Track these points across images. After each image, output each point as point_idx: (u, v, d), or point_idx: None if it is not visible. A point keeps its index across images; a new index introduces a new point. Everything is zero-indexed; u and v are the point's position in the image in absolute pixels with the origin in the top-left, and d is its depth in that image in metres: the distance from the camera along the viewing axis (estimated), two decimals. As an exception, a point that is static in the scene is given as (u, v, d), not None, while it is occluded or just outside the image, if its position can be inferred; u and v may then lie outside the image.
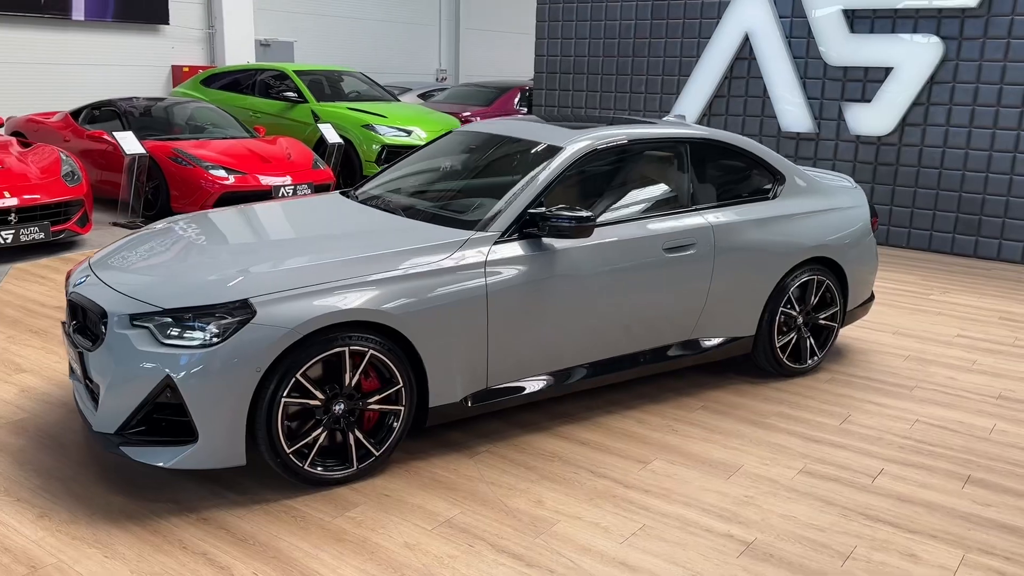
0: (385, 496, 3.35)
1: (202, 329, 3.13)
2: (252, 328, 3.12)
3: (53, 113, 10.61)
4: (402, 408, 3.48)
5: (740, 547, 3.08)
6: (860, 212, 5.06)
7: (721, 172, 4.71)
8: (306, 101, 11.39)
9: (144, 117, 9.79)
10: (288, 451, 3.25)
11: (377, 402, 3.43)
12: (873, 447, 3.96)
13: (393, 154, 10.64)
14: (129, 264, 3.63)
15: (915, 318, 6.14)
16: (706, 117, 9.81)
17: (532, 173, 4.00)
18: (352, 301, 3.28)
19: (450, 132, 4.97)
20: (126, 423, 3.19)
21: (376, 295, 3.35)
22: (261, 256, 3.56)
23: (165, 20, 14.34)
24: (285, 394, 3.18)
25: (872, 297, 5.28)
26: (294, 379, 3.19)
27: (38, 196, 7.19)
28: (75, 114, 10.20)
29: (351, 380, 3.34)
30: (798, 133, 9.24)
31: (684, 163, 4.48)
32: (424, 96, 15.48)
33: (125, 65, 13.94)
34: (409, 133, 10.90)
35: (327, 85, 12.06)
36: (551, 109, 11.15)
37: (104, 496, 3.28)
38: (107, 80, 13.59)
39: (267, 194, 8.61)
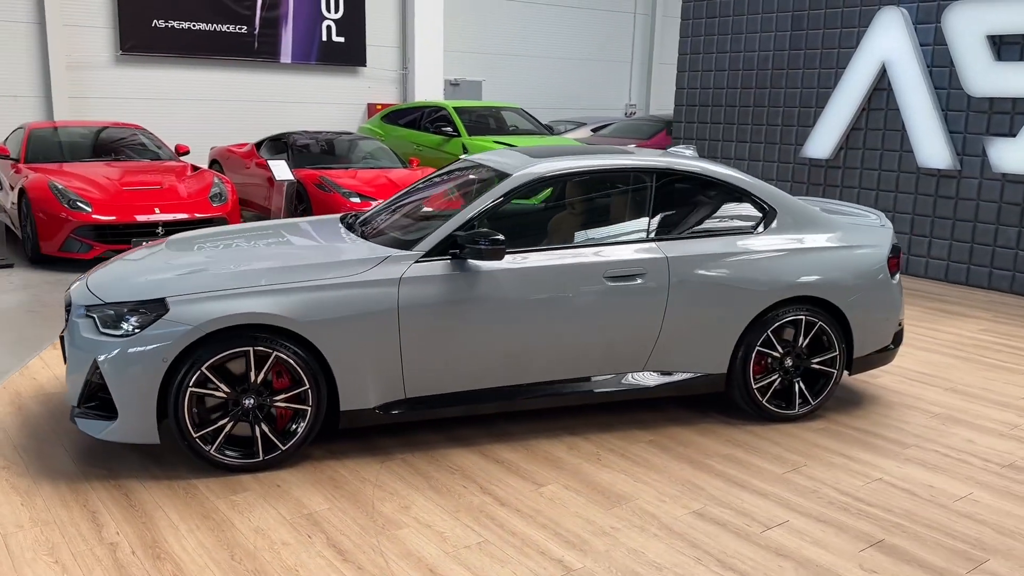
0: (276, 486, 3.68)
1: (127, 321, 3.66)
2: (162, 323, 3.61)
3: (244, 144, 12.13)
4: (308, 408, 3.81)
5: (561, 573, 3.06)
6: (872, 252, 4.68)
7: (695, 204, 4.60)
8: (459, 135, 12.11)
9: (308, 148, 10.95)
10: (194, 435, 3.68)
11: (284, 400, 3.79)
12: (798, 499, 3.69)
13: (530, 185, 11.03)
14: (116, 267, 4.27)
15: (986, 374, 5.48)
16: (842, 150, 9.26)
17: (474, 199, 4.19)
18: (254, 306, 3.67)
19: (455, 161, 5.24)
20: (80, 398, 3.78)
21: (281, 301, 3.72)
22: (211, 262, 4.05)
23: (362, 63, 15.83)
24: (191, 384, 3.63)
25: (896, 344, 4.83)
26: (199, 372, 3.63)
27: (184, 214, 8.37)
28: (258, 145, 11.62)
29: (256, 378, 3.72)
30: (938, 170, 8.46)
31: (646, 194, 4.44)
32: (596, 130, 15.79)
33: (326, 103, 15.55)
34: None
35: (487, 120, 12.74)
36: (689, 142, 11.02)
37: (63, 458, 3.90)
38: (311, 116, 15.23)
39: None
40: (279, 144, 11.18)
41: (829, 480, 3.89)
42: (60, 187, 8.13)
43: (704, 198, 4.60)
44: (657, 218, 4.42)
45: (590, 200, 4.59)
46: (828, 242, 4.62)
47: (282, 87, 15.10)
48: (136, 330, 3.63)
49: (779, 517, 3.52)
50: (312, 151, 10.99)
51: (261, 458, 3.79)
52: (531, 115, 13.41)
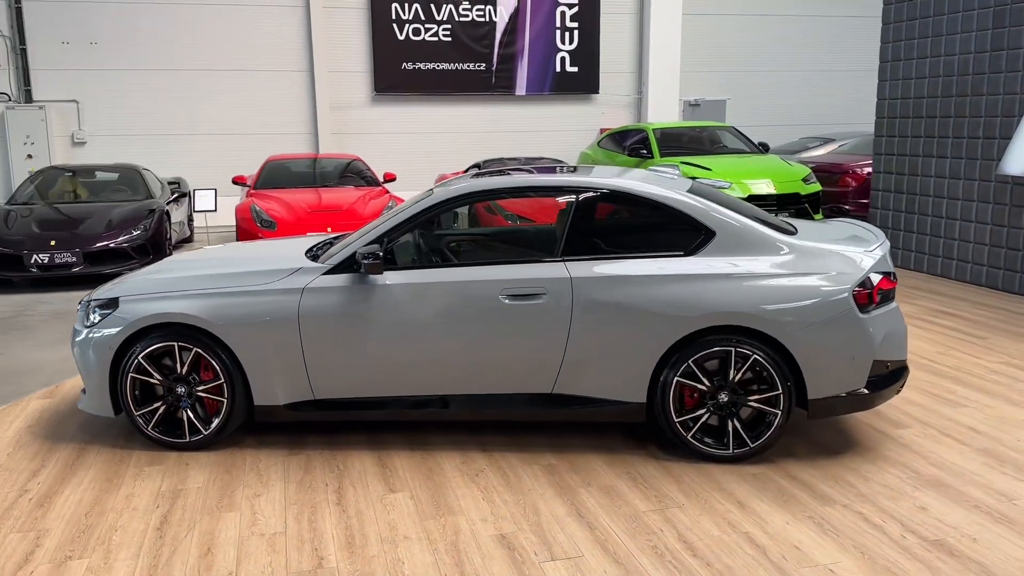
0: (185, 464, 4.28)
1: (94, 314, 4.51)
2: (111, 318, 4.39)
3: (460, 172, 13.20)
4: (224, 400, 4.37)
5: (311, 567, 3.26)
6: (828, 281, 4.09)
7: (621, 224, 4.39)
8: (653, 157, 12.06)
9: (500, 175, 11.64)
10: (135, 413, 4.42)
11: (206, 392, 4.38)
12: (622, 537, 3.44)
13: (710, 207, 10.71)
14: (131, 274, 5.17)
15: (1054, 437, 4.45)
16: (1048, 166, 7.78)
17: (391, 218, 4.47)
18: (176, 307, 4.32)
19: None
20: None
21: (200, 304, 4.32)
22: (173, 270, 4.74)
23: (595, 90, 16.29)
24: (131, 370, 4.37)
25: (877, 388, 4.16)
26: (136, 361, 4.36)
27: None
28: (467, 171, 12.60)
29: (181, 370, 4.36)
30: None
31: (566, 213, 4.36)
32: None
33: (559, 130, 16.24)
34: (728, 187, 10.79)
35: (691, 141, 12.51)
36: (890, 159, 9.90)
37: (110, 431, 4.86)
38: (544, 143, 16.04)
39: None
40: (479, 170, 11.99)
41: (683, 524, 3.56)
42: (258, 209, 9.65)
43: (633, 218, 4.39)
44: (572, 237, 4.32)
45: (511, 218, 4.60)
46: (769, 268, 4.15)
47: (517, 117, 16.06)
48: (97, 322, 4.45)
49: (574, 551, 3.34)
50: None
51: (187, 439, 4.42)
52: (743, 134, 12.88)
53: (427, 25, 15.25)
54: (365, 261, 4.18)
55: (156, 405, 4.41)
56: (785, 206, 10.89)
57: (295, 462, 4.28)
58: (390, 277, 4.29)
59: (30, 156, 13.80)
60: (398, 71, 15.27)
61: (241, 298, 4.33)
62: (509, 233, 4.74)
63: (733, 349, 4.08)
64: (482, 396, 4.32)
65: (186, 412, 4.41)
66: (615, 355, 4.18)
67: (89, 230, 9.25)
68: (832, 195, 12.55)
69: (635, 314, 4.13)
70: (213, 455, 4.38)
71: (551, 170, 4.84)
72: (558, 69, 16.06)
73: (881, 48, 10.01)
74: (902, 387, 4.35)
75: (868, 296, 4.11)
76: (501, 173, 4.86)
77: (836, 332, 4.07)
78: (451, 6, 15.28)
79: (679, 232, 4.29)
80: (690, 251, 4.23)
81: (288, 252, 4.81)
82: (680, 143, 12.44)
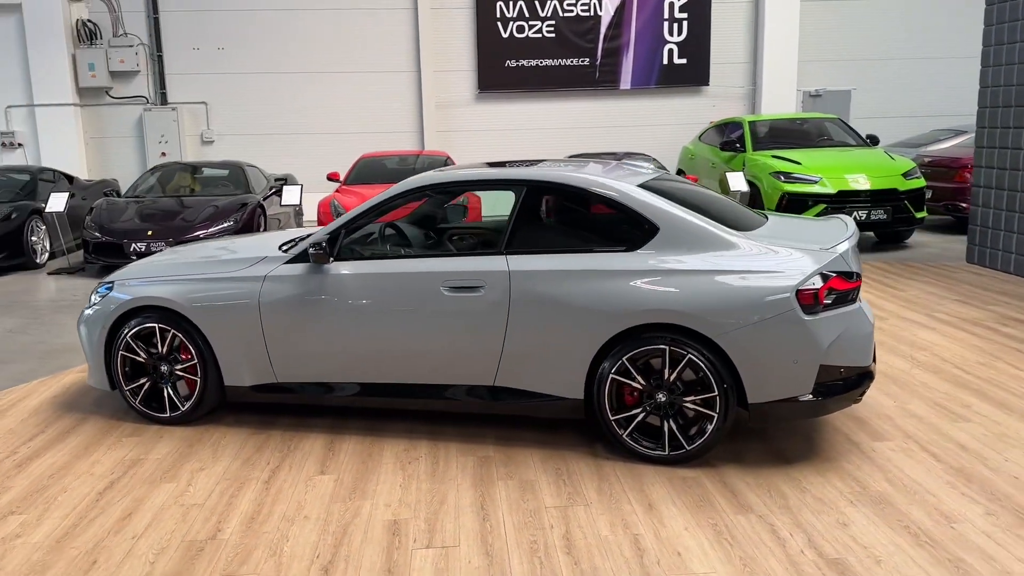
0: (160, 437, 4.63)
1: (96, 295, 4.94)
2: (106, 300, 4.81)
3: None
4: (198, 379, 4.68)
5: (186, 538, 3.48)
6: (769, 279, 3.87)
7: (567, 218, 4.32)
8: (745, 150, 11.63)
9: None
10: (124, 388, 4.82)
11: (183, 371, 4.72)
12: (511, 530, 3.44)
13: (795, 202, 10.26)
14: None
15: (1047, 459, 4.00)
16: None
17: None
18: (154, 291, 4.67)
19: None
20: (98, 355, 5.20)
21: (175, 289, 4.66)
22: (166, 257, 5.09)
23: (705, 82, 15.83)
24: (122, 348, 4.77)
25: (826, 395, 3.89)
26: (125, 340, 4.75)
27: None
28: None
29: (162, 350, 4.72)
30: None
31: (513, 206, 4.35)
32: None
33: (665, 124, 15.92)
34: (816, 182, 10.27)
35: (791, 133, 11.96)
36: (991, 152, 9.08)
37: (119, 404, 5.35)
38: (649, 138, 15.78)
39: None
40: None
41: (576, 523, 3.50)
42: (336, 204, 10.11)
43: (579, 213, 4.32)
44: (516, 231, 4.31)
45: (461, 210, 4.63)
46: (709, 265, 3.97)
47: (621, 112, 15.88)
48: (95, 303, 4.88)
49: (452, 541, 3.37)
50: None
51: (168, 414, 4.77)
52: (850, 126, 12.18)
53: (531, 22, 15.36)
54: (311, 251, 4.37)
55: (142, 381, 4.79)
56: (881, 203, 10.23)
57: (254, 441, 4.52)
58: (342, 267, 4.45)
59: (164, 154, 15.06)
60: (501, 69, 15.48)
61: (211, 284, 4.62)
62: (468, 227, 4.78)
63: (667, 348, 3.95)
64: (427, 386, 4.40)
65: (167, 389, 4.76)
66: (552, 350, 4.14)
67: (184, 221, 10.02)
68: (946, 191, 11.64)
69: (570, 309, 4.08)
70: (188, 430, 4.71)
71: (502, 164, 4.84)
72: (665, 61, 15.73)
73: (984, 31, 9.19)
74: (861, 396, 4.05)
75: (813, 296, 3.85)
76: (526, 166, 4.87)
77: (776, 334, 3.86)
78: (555, 2, 15.32)
79: (624, 227, 4.20)
80: (632, 247, 4.12)
81: (270, 243, 5.07)
82: (778, 136, 11.91)
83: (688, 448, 4.00)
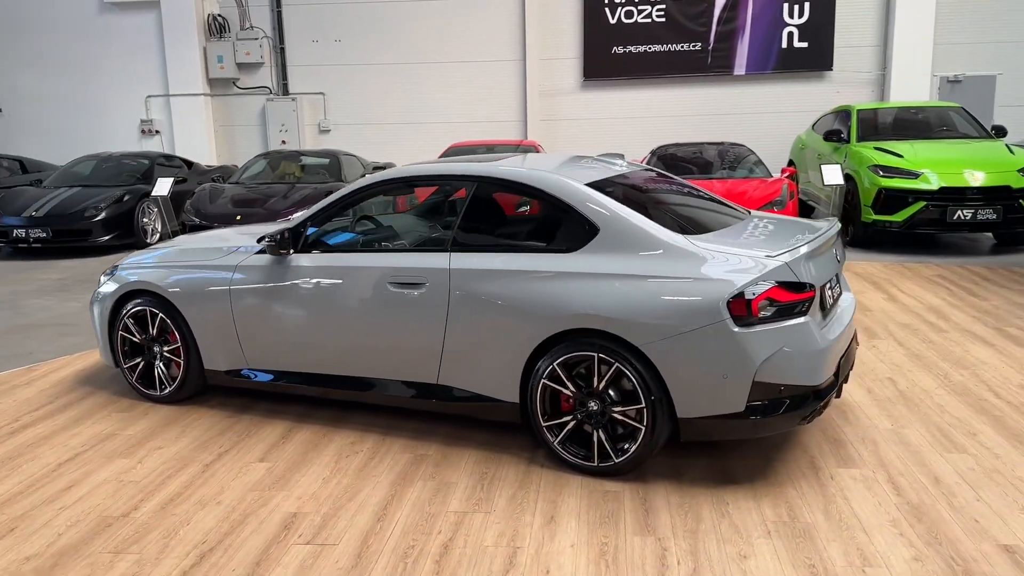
0: (144, 414, 4.91)
1: (104, 277, 5.29)
2: (110, 282, 5.14)
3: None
4: (181, 361, 4.93)
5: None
6: (701, 287, 3.60)
7: (515, 216, 4.19)
8: (849, 140, 10.87)
9: (674, 158, 11.23)
10: (123, 366, 5.14)
11: (169, 353, 4.98)
12: (398, 532, 3.41)
13: (893, 199, 9.52)
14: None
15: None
16: None
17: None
18: (142, 276, 4.95)
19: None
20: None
21: (160, 275, 4.91)
22: (171, 245, 5.35)
23: (828, 67, 14.88)
24: (120, 328, 5.09)
25: (762, 414, 3.59)
26: (123, 321, 5.07)
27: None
28: (647, 158, 12.32)
29: (152, 332, 5.00)
30: None
31: (462, 202, 4.27)
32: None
33: (783, 112, 15.10)
34: (916, 176, 9.45)
35: (906, 123, 11.07)
36: None
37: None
38: (768, 125, 15.04)
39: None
40: (662, 155, 11.60)
41: (466, 530, 3.41)
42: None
43: (527, 210, 4.18)
44: (464, 227, 4.24)
45: (423, 207, 4.57)
46: (643, 270, 3.74)
47: (735, 98, 15.22)
48: (102, 284, 5.23)
49: (335, 539, 3.37)
50: (676, 161, 11.25)
51: (159, 393, 5.05)
52: (972, 116, 11.12)
53: (640, 7, 14.96)
54: (265, 243, 4.48)
55: (137, 361, 5.09)
56: (991, 201, 9.27)
57: (222, 425, 4.71)
58: (301, 260, 4.53)
59: (284, 142, 15.86)
60: (608, 56, 15.19)
61: (192, 272, 4.84)
62: (423, 223, 4.72)
63: (596, 355, 3.77)
64: (377, 381, 4.42)
65: (157, 369, 5.04)
66: (488, 351, 4.05)
67: (271, 208, 10.52)
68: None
69: (504, 310, 3.97)
70: (173, 409, 4.96)
71: (457, 161, 4.74)
72: (784, 45, 14.91)
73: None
74: (809, 418, 3.71)
75: (746, 307, 3.56)
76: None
77: (705, 346, 3.59)
78: (666, -14, 14.85)
79: (566, 227, 4.03)
80: (573, 247, 3.96)
81: (254, 233, 5.24)
82: (891, 126, 11.03)
83: (615, 461, 3.81)
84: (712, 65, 15.08)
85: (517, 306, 3.93)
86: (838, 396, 4.04)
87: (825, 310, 3.95)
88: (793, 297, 3.62)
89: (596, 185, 4.14)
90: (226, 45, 15.74)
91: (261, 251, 4.69)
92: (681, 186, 4.77)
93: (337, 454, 4.24)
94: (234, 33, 15.86)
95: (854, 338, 4.38)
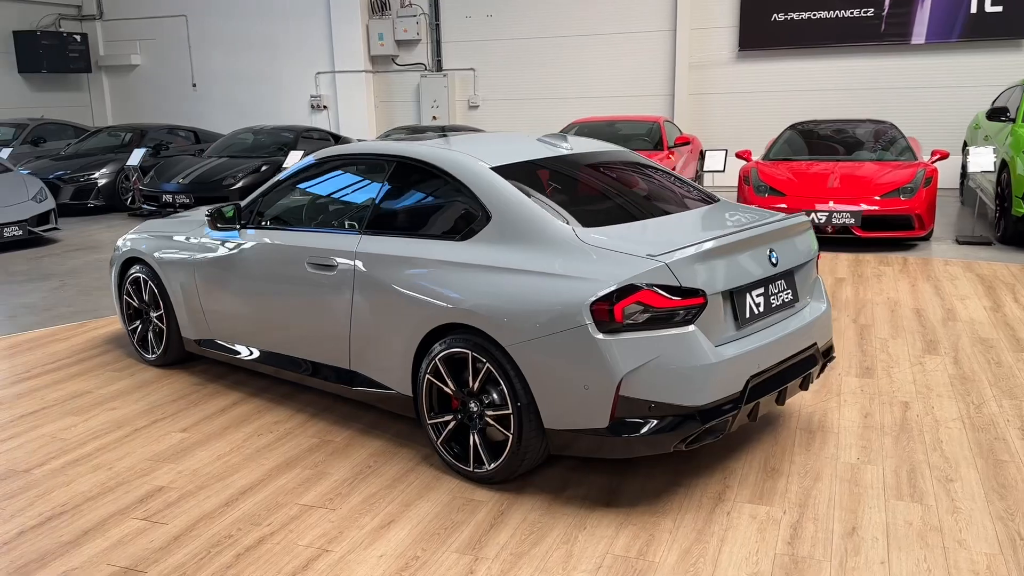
0: (126, 371, 5.20)
1: (116, 247, 5.62)
2: (119, 249, 5.47)
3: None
4: (163, 328, 5.16)
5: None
6: (568, 286, 3.20)
7: (423, 199, 3.93)
8: (1015, 119, 9.38)
9: (809, 136, 10.24)
10: (127, 328, 5.47)
11: (156, 319, 5.23)
12: (240, 517, 3.35)
13: (1047, 191, 8.13)
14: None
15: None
16: None
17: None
18: (134, 245, 5.21)
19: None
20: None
21: (149, 245, 5.14)
22: (171, 218, 5.57)
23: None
24: (125, 294, 5.42)
25: (627, 432, 3.15)
26: (126, 285, 5.39)
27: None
28: (777, 138, 11.30)
29: (145, 298, 5.27)
30: None
31: (382, 183, 4.08)
32: None
33: (972, 86, 13.27)
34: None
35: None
36: None
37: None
38: (952, 100, 13.33)
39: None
40: (794, 133, 10.61)
41: (299, 527, 3.28)
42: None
43: (434, 193, 3.92)
44: (376, 210, 4.06)
45: (348, 185, 4.37)
46: (522, 264, 3.40)
47: (913, 70, 13.59)
48: (116, 251, 5.57)
49: (170, 518, 3.37)
50: (807, 140, 10.27)
51: (150, 356, 5.32)
52: None
53: (804, -30, 13.69)
54: (205, 215, 4.56)
55: (136, 324, 5.39)
56: None
57: (183, 392, 4.87)
58: (246, 235, 4.56)
59: (435, 118, 16.20)
60: (767, 24, 14.05)
61: (171, 243, 5.03)
62: (354, 204, 4.52)
63: (470, 353, 3.49)
64: (305, 362, 4.37)
65: (150, 333, 5.31)
66: (385, 340, 3.88)
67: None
68: None
69: (397, 299, 3.78)
70: (157, 373, 5.21)
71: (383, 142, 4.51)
72: (973, 10, 13.04)
73: None
74: (688, 442, 3.20)
75: (608, 312, 3.12)
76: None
77: (566, 352, 3.21)
78: (835, -54, 13.46)
79: (466, 211, 3.75)
80: (467, 234, 3.67)
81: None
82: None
83: (488, 468, 3.51)
84: (886, 33, 13.52)
85: (407, 295, 3.72)
86: (780, 403, 3.55)
87: (745, 319, 3.40)
88: (672, 303, 3.13)
89: (509, 168, 3.81)
90: (386, 23, 16.26)
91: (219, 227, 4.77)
92: (639, 170, 4.29)
93: (253, 433, 4.25)
94: (394, 11, 16.34)
95: (812, 355, 3.75)
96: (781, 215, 3.89)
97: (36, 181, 10.51)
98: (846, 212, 8.37)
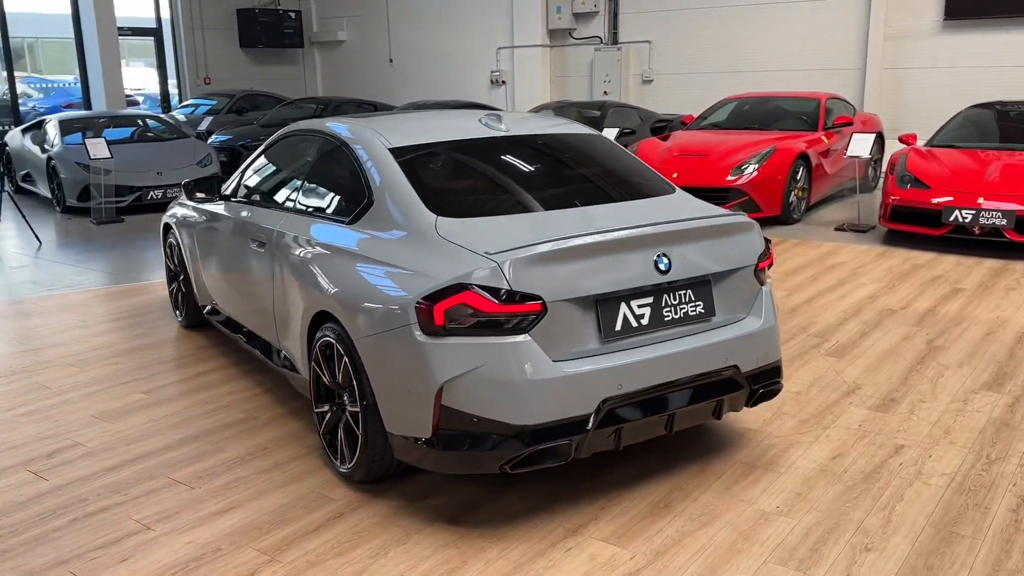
0: (160, 329, 5.53)
1: (173, 215, 6.00)
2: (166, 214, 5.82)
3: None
4: (185, 291, 5.43)
5: None
6: (409, 284, 2.92)
7: (336, 178, 3.76)
8: None
9: (992, 120, 8.84)
10: (169, 289, 5.83)
11: (183, 283, 5.51)
12: (110, 504, 3.45)
13: None
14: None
15: None
16: None
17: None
18: (172, 212, 5.49)
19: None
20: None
21: (179, 213, 5.39)
22: None
23: None
24: (166, 257, 5.77)
25: (448, 446, 2.84)
26: (165, 250, 5.73)
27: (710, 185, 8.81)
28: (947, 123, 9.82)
29: (175, 263, 5.57)
30: None
31: (312, 161, 3.98)
32: None
33: None
34: None
35: None
36: None
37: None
38: None
39: (936, 217, 7.39)
40: (982, 114, 9.14)
41: (127, 507, 3.31)
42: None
43: (341, 172, 3.75)
44: (303, 187, 3.98)
45: (301, 162, 4.23)
46: (380, 254, 3.18)
47: None
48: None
49: (44, 490, 3.53)
50: (985, 124, 8.85)
51: (179, 317, 5.63)
52: None
53: (1030, -77, 11.68)
54: (182, 185, 4.70)
55: (173, 286, 5.72)
56: None
57: (194, 356, 5.06)
58: (218, 208, 4.67)
59: (606, 92, 15.78)
60: (981, -12, 12.18)
61: (190, 212, 5.25)
62: (298, 182, 4.37)
63: (335, 344, 3.31)
64: (248, 332, 4.43)
65: (177, 296, 5.61)
66: (292, 321, 3.80)
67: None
68: None
69: (294, 282, 3.70)
70: (180, 333, 5.50)
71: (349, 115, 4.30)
72: None
73: None
74: (516, 465, 2.82)
75: (429, 313, 2.81)
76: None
77: (395, 353, 2.96)
78: None
79: (357, 193, 3.55)
80: (353, 218, 3.49)
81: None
82: None
83: (347, 466, 3.34)
84: None
85: (301, 278, 3.61)
86: (669, 431, 3.10)
87: (614, 332, 2.94)
88: (499, 308, 2.76)
89: (409, 149, 3.55)
90: (565, -5, 16.02)
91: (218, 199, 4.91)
92: (580, 155, 3.83)
93: (201, 401, 4.34)
94: (573, -18, 16.05)
95: (728, 379, 3.18)
96: (721, 214, 3.32)
97: (205, 147, 11.49)
98: (997, 211, 7.06)
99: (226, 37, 19.01)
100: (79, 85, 16.77)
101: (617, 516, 3.09)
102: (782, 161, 8.78)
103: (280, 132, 4.44)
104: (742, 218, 3.30)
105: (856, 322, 5.39)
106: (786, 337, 5.12)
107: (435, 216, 3.15)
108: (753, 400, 3.30)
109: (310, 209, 3.82)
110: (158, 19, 18.28)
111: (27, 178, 11.98)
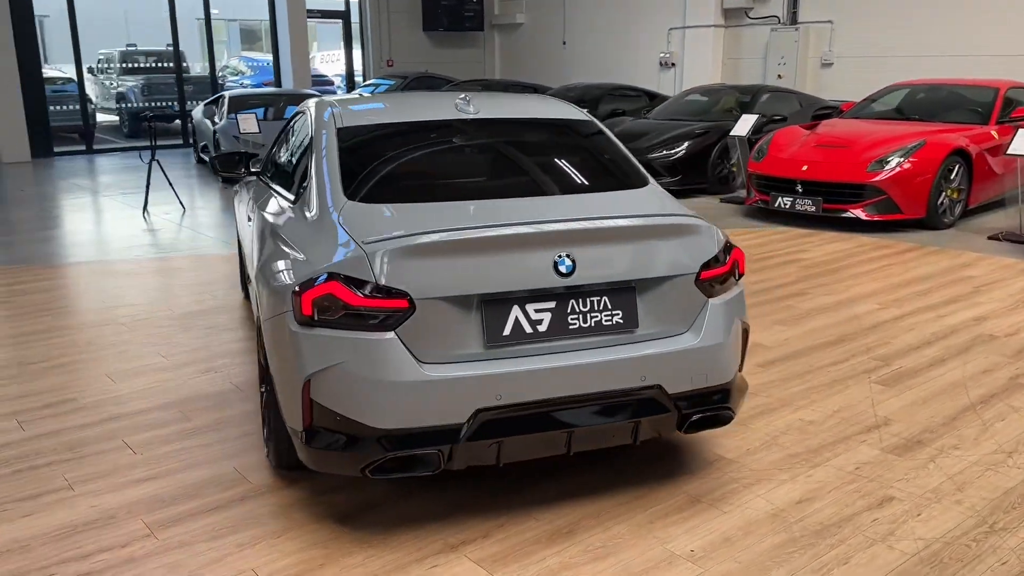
0: (221, 298, 5.80)
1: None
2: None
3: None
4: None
5: None
6: (296, 271, 2.82)
7: (304, 156, 3.69)
8: None
9: None
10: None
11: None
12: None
13: None
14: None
15: None
16: None
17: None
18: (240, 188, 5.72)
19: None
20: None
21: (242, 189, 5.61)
22: None
23: None
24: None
25: (312, 442, 2.71)
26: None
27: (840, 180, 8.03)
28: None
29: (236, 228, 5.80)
30: None
31: (300, 139, 3.94)
32: None
33: None
34: None
35: None
36: None
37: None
38: None
39: None
40: None
41: (59, 484, 3.46)
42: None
43: (307, 150, 3.66)
44: (282, 163, 4.01)
45: (290, 143, 4.17)
46: (293, 236, 3.11)
47: None
48: (245, 193, 6.18)
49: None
50: None
51: (243, 291, 5.87)
52: None
53: None
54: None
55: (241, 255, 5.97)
56: None
57: (237, 329, 5.29)
58: (247, 185, 4.77)
59: (780, 76, 14.73)
60: None
61: (245, 188, 5.43)
62: (281, 160, 4.29)
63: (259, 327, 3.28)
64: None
65: (241, 266, 5.85)
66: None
67: (642, 143, 10.22)
68: None
69: (254, 263, 3.69)
70: (245, 305, 5.74)
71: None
72: None
73: None
74: (375, 470, 2.64)
75: (299, 302, 2.68)
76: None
77: (279, 339, 2.87)
78: None
79: (309, 173, 3.47)
80: (296, 197, 3.43)
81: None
82: None
83: (266, 450, 3.29)
84: None
85: (253, 256, 3.61)
86: (567, 452, 2.80)
87: (500, 337, 2.67)
88: (362, 302, 2.58)
89: (358, 130, 3.42)
90: (743, -28, 15.10)
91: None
92: (552, 142, 3.52)
93: (211, 368, 4.48)
94: (752, -42, 15.09)
95: (650, 400, 2.80)
96: (667, 213, 2.93)
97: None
98: None
99: (410, 20, 19.67)
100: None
101: (511, 536, 2.83)
102: (931, 157, 7.75)
103: (294, 113, 4.46)
104: (689, 220, 2.88)
105: (939, 347, 4.64)
106: (840, 358, 4.49)
107: (345, 200, 3.01)
108: (687, 426, 2.89)
109: (276, 186, 3.83)
110: (347, 3, 19.23)
111: (204, 149, 13.05)
